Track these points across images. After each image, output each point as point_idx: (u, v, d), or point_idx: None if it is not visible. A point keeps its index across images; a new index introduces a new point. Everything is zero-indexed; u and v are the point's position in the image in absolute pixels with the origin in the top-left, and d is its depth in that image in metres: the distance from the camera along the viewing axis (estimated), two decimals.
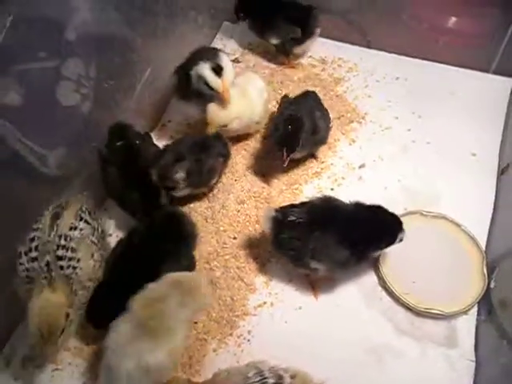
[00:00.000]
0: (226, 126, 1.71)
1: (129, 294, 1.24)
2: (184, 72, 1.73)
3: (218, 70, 1.64)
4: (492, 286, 1.47)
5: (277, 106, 1.87)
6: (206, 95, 1.70)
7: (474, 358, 1.39)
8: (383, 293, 1.52)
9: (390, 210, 1.47)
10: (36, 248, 1.25)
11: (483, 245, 1.57)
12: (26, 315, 1.21)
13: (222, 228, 1.66)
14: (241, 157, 1.83)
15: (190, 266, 1.49)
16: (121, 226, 1.68)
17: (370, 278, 1.55)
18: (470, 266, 1.52)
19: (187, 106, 1.79)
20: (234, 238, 1.63)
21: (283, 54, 2.10)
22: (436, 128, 1.88)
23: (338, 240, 1.39)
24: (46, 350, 1.21)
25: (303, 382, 1.19)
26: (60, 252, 1.25)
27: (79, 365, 1.41)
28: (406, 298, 1.47)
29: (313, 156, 1.82)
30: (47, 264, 1.23)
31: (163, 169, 1.55)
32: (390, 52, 2.13)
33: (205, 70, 1.65)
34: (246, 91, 1.75)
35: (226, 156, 1.73)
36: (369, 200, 1.48)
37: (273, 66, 2.14)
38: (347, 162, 1.81)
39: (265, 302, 1.51)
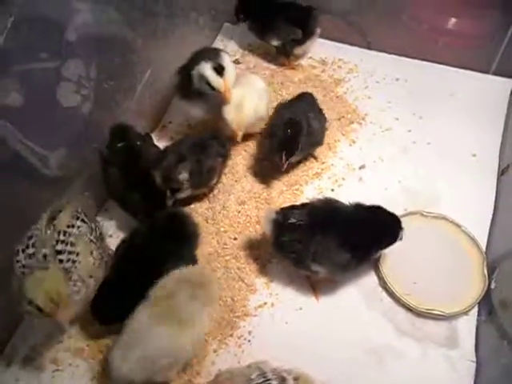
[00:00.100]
0: (249, 123, 1.72)
1: (133, 293, 1.28)
2: (186, 72, 1.73)
3: (219, 70, 1.64)
4: (492, 286, 1.47)
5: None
6: (207, 95, 1.70)
7: (474, 359, 1.39)
8: (384, 293, 1.52)
9: (391, 210, 1.47)
10: (33, 245, 1.25)
11: (483, 245, 1.58)
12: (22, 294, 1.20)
13: (222, 229, 1.66)
14: (241, 157, 1.84)
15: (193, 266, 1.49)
16: (122, 227, 1.68)
17: (370, 279, 1.55)
18: (471, 266, 1.52)
19: (189, 105, 1.79)
20: (235, 239, 1.64)
21: (284, 55, 2.10)
22: (436, 129, 1.88)
23: (340, 243, 1.39)
24: (61, 315, 1.20)
25: None
26: (59, 246, 1.25)
27: (80, 365, 1.41)
28: (407, 298, 1.47)
29: (313, 157, 1.82)
30: (44, 256, 1.23)
31: (166, 170, 1.55)
32: (390, 53, 2.14)
33: (206, 69, 1.64)
34: (249, 89, 1.75)
35: (225, 156, 1.74)
36: (369, 201, 1.49)
37: (273, 67, 2.14)
38: (347, 162, 1.82)
39: (265, 303, 1.51)
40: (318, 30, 2.06)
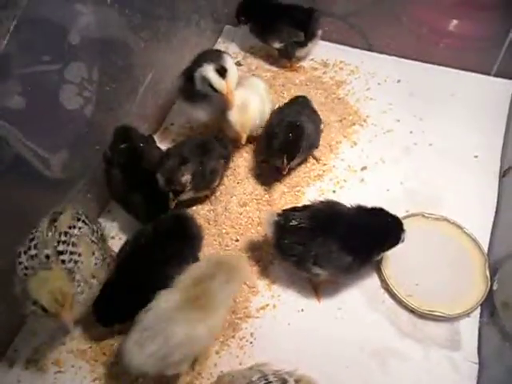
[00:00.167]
0: (254, 125, 1.72)
1: (135, 295, 1.28)
2: (188, 74, 1.73)
3: (222, 72, 1.64)
4: (494, 288, 1.47)
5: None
6: (210, 97, 1.70)
7: (476, 360, 1.39)
8: (386, 295, 1.52)
9: (392, 212, 1.47)
10: (35, 246, 1.25)
11: (485, 247, 1.57)
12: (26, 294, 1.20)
13: (224, 230, 1.66)
14: (243, 159, 1.84)
15: None
16: (124, 229, 1.69)
17: (372, 281, 1.55)
18: (473, 268, 1.52)
19: (191, 107, 1.79)
20: (237, 241, 1.64)
21: (286, 58, 2.11)
22: (438, 130, 1.88)
23: (341, 246, 1.39)
24: (65, 315, 1.20)
25: None
26: (61, 247, 1.26)
27: (82, 367, 1.42)
28: (409, 300, 1.47)
29: (314, 158, 1.82)
30: (47, 256, 1.24)
31: (170, 172, 1.55)
32: (392, 55, 2.14)
33: (209, 71, 1.64)
34: (252, 91, 1.76)
35: (227, 158, 1.74)
36: (370, 202, 1.49)
37: (274, 69, 2.14)
38: (349, 164, 1.82)
39: (267, 305, 1.52)
40: (320, 32, 2.07)
